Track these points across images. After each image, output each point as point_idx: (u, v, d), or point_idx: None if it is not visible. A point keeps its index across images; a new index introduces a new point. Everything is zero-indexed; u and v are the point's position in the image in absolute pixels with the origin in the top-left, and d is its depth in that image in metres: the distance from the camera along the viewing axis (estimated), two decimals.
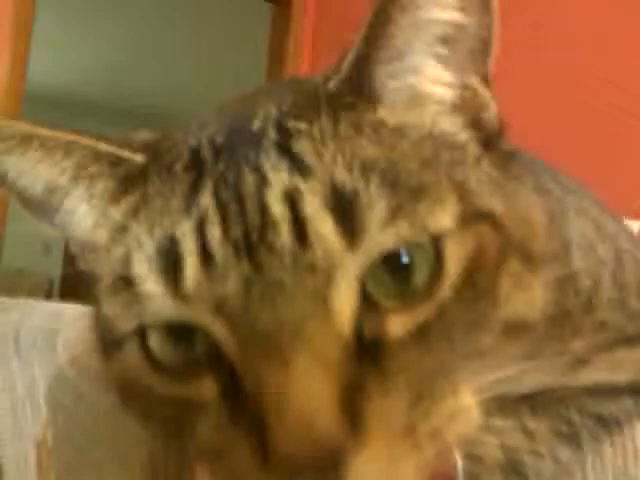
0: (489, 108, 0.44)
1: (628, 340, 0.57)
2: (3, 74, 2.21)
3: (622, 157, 1.58)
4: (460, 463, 0.46)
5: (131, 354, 0.41)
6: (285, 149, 0.39)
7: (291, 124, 0.40)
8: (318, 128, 0.39)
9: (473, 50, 0.42)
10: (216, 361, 0.38)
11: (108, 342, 0.42)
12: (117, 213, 0.43)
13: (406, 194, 0.37)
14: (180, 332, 0.39)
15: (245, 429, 0.35)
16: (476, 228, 0.39)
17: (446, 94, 0.43)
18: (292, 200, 0.37)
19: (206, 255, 0.37)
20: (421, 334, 0.36)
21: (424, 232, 0.37)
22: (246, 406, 0.35)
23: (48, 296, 5.96)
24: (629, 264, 0.59)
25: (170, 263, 0.37)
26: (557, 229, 0.50)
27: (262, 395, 0.34)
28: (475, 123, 0.44)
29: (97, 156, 0.44)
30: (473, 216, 0.39)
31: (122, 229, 0.42)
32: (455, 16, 0.40)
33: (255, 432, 0.34)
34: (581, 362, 0.55)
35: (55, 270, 7.23)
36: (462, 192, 0.39)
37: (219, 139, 0.42)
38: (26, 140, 0.43)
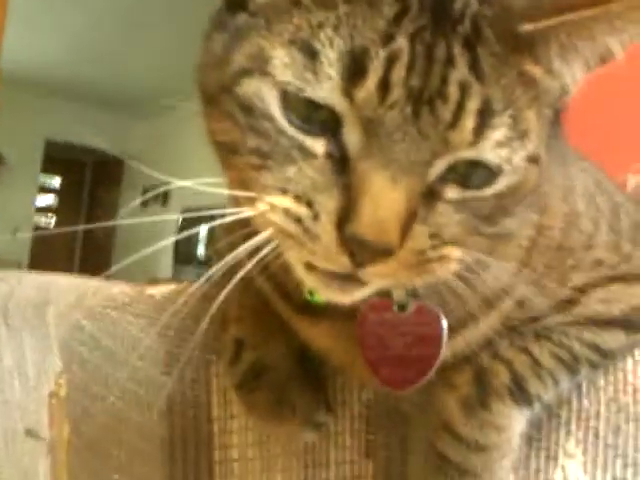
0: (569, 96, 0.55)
1: (622, 277, 0.64)
2: None
3: None
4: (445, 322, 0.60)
5: (269, 92, 0.49)
6: (471, 45, 0.48)
7: (485, 28, 0.49)
8: (500, 50, 0.49)
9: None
10: (335, 143, 0.49)
11: (257, 68, 0.49)
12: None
13: (516, 134, 0.49)
14: (319, 113, 0.48)
15: (339, 189, 0.48)
16: (530, 168, 0.51)
17: (566, 86, 0.54)
18: (463, 90, 0.47)
19: (385, 82, 0.46)
20: (460, 204, 0.50)
21: (508, 163, 0.49)
22: (347, 179, 0.47)
23: None
24: (623, 215, 0.68)
25: (355, 67, 0.46)
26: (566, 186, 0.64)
27: (367, 187, 0.47)
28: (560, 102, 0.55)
29: None
30: (532, 159, 0.51)
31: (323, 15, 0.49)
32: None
33: (345, 200, 0.47)
34: (580, 292, 0.62)
35: (23, 253, 7.16)
36: (537, 141, 0.51)
37: None
38: None
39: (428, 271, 0.50)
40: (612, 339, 0.63)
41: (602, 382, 0.64)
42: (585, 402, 0.64)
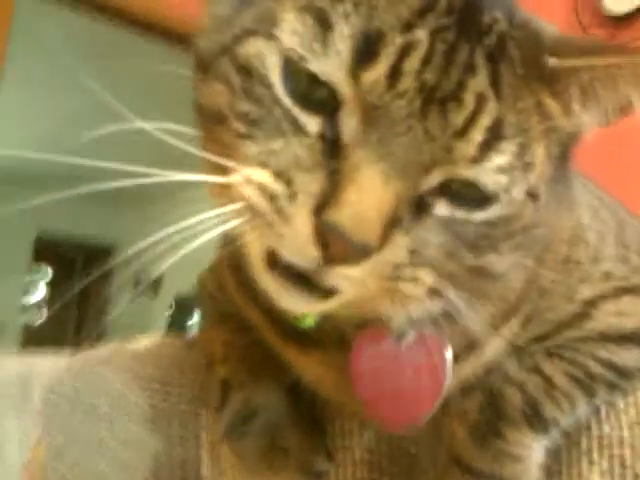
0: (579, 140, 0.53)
1: (633, 290, 0.60)
2: None
3: None
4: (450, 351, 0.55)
5: (272, 57, 0.46)
6: (494, 59, 0.46)
7: (511, 47, 0.47)
8: (523, 73, 0.47)
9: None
10: (331, 125, 0.45)
11: (263, 30, 0.46)
12: None
13: (520, 164, 0.46)
14: (320, 90, 0.45)
15: (325, 172, 0.44)
16: (526, 203, 0.48)
17: (579, 130, 0.52)
18: (479, 101, 0.44)
19: (396, 70, 0.44)
20: (446, 224, 0.47)
21: (506, 192, 0.46)
22: (335, 165, 0.44)
23: None
24: (629, 228, 0.65)
25: (367, 48, 0.44)
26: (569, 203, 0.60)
27: (355, 176, 0.43)
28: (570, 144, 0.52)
29: None
30: (531, 194, 0.48)
31: None
32: None
33: (329, 186, 0.44)
34: (591, 305, 0.58)
35: (10, 349, 7.03)
36: (540, 177, 0.48)
37: None
38: None
39: (396, 290, 0.46)
40: (628, 356, 0.59)
41: (622, 404, 0.59)
42: (606, 427, 0.59)
